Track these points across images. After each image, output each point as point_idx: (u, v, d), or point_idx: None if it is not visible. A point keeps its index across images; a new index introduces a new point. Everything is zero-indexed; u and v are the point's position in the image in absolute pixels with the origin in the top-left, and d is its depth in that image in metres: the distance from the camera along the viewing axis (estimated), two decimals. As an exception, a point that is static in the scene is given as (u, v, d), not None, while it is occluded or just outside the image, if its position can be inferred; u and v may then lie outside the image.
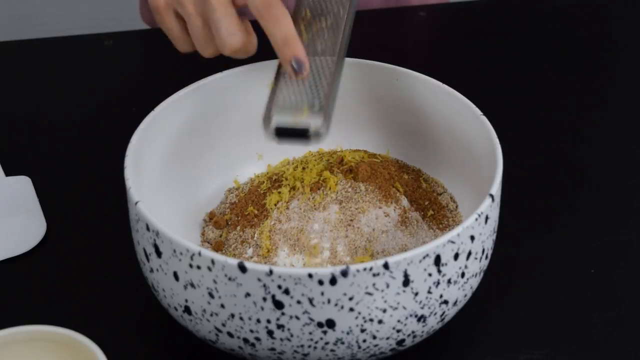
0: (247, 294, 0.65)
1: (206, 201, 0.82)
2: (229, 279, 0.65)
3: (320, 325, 0.66)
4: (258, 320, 0.66)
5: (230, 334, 0.68)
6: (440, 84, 0.80)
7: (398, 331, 0.68)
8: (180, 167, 0.81)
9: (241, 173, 0.85)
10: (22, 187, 0.88)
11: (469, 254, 0.69)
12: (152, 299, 0.75)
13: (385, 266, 0.65)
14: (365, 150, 0.83)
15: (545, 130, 0.97)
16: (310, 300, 0.65)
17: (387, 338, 0.68)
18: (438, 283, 0.67)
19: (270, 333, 0.67)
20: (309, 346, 0.67)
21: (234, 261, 0.65)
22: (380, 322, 0.67)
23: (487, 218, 0.69)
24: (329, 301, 0.65)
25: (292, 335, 0.66)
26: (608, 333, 0.77)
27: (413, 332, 0.69)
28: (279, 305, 0.65)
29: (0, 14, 2.07)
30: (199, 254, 0.66)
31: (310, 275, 0.64)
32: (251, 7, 0.73)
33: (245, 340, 0.68)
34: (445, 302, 0.69)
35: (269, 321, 0.66)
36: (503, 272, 0.80)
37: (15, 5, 2.09)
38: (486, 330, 0.77)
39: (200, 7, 0.75)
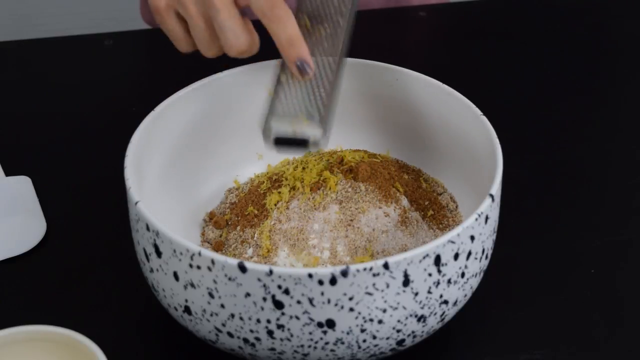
0: (247, 294, 0.65)
1: (206, 201, 0.82)
2: (229, 279, 0.65)
3: (320, 325, 0.66)
4: (258, 320, 0.66)
5: (230, 334, 0.68)
6: (440, 84, 0.80)
7: (398, 331, 0.68)
8: (180, 167, 0.81)
9: (241, 173, 0.85)
10: (22, 187, 0.88)
11: (469, 254, 0.69)
12: (152, 299, 0.75)
13: (385, 266, 0.65)
14: (365, 150, 0.83)
15: (545, 130, 0.97)
16: (310, 300, 0.65)
17: (387, 338, 0.68)
18: (438, 283, 0.67)
19: (270, 333, 0.67)
20: (309, 346, 0.67)
21: (234, 261, 0.65)
22: (380, 322, 0.67)
23: (487, 218, 0.69)
24: (329, 301, 0.65)
25: (292, 335, 0.66)
26: (608, 333, 0.77)
27: (413, 332, 0.69)
28: (279, 305, 0.65)
29: (0, 14, 2.07)
30: (199, 254, 0.66)
31: (310, 275, 0.64)
32: (255, 8, 0.73)
33: (245, 340, 0.68)
34: (445, 302, 0.69)
35: (269, 321, 0.66)
36: (503, 272, 0.80)
37: (15, 5, 2.09)
38: (486, 330, 0.77)
39: (202, 8, 0.74)
